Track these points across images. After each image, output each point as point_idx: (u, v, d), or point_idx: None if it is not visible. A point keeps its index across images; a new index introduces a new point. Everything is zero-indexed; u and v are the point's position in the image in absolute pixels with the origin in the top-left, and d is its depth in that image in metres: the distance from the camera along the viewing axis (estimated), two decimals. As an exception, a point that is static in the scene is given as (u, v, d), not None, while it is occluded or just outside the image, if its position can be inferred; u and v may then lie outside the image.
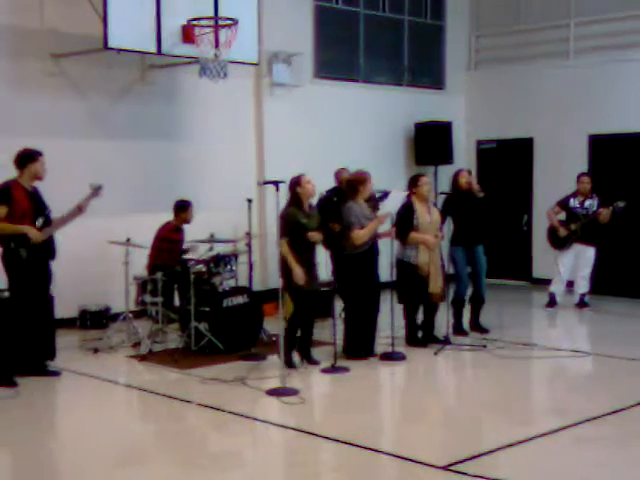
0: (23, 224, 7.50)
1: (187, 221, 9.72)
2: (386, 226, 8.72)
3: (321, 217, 8.29)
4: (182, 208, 9.67)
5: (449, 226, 9.37)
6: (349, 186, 8.51)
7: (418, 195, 8.92)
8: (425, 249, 8.77)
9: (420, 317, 9.10)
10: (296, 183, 7.99)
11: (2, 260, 7.64)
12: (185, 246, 9.59)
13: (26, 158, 7.66)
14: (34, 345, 7.76)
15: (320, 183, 8.36)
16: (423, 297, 8.87)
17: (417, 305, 8.96)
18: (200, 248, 9.50)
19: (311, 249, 8.06)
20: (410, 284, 8.83)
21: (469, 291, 9.69)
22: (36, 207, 7.65)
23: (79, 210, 7.80)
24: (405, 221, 8.80)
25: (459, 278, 9.52)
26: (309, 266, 7.98)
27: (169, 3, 9.49)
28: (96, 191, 7.80)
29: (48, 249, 7.74)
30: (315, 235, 7.98)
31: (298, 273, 7.80)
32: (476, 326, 9.72)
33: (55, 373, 7.90)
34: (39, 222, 7.61)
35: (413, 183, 9.00)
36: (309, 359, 8.24)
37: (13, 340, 7.61)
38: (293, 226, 7.84)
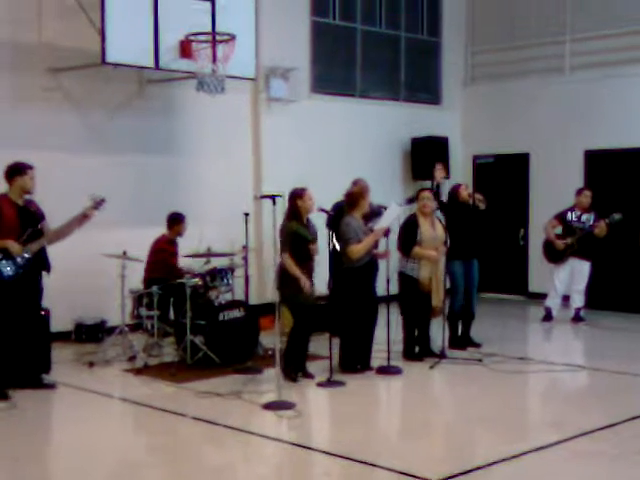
0: (8, 238, 7.42)
1: (180, 234, 9.74)
2: (382, 244, 8.74)
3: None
4: (176, 221, 9.70)
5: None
6: (350, 199, 8.53)
7: (419, 210, 8.96)
8: (427, 264, 8.81)
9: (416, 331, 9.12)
10: (298, 196, 8.02)
11: None
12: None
13: (14, 172, 7.60)
14: (29, 358, 7.74)
15: (317, 197, 8.37)
16: (423, 311, 8.88)
17: (416, 319, 8.97)
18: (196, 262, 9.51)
19: (310, 262, 8.08)
20: (410, 298, 8.85)
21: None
22: (25, 221, 7.57)
23: (84, 217, 7.72)
24: (409, 235, 8.83)
25: (456, 292, 9.53)
26: (309, 279, 8.01)
27: (167, 18, 9.54)
28: (97, 204, 7.74)
29: (40, 262, 7.68)
30: (316, 248, 8.02)
31: (306, 283, 7.83)
32: (467, 341, 9.72)
33: (51, 386, 7.89)
34: (25, 235, 7.51)
35: (415, 198, 9.09)
36: (304, 372, 8.24)
37: (7, 354, 7.56)
38: (294, 238, 7.85)
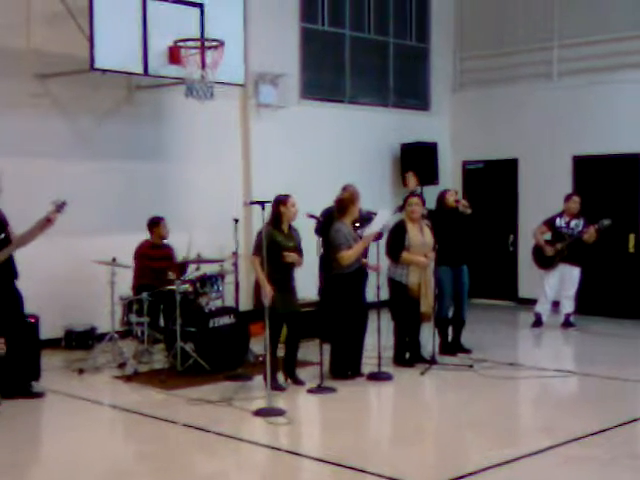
0: None
1: (163, 236, 9.72)
2: (372, 249, 8.73)
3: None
4: (154, 224, 9.71)
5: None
6: (340, 205, 8.51)
7: (406, 215, 8.96)
8: (416, 269, 8.80)
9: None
10: (281, 202, 7.98)
11: None
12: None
13: None
14: (16, 366, 7.68)
15: (306, 203, 8.37)
16: (413, 317, 8.87)
17: (406, 325, 8.95)
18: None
19: (288, 270, 8.02)
20: (400, 304, 8.84)
21: (450, 311, 9.71)
22: None
23: (48, 222, 7.50)
24: (397, 241, 8.82)
25: (443, 297, 9.52)
26: (285, 287, 7.94)
27: (155, 24, 9.51)
28: (59, 207, 7.51)
29: (9, 270, 7.59)
30: (291, 255, 7.93)
31: (267, 292, 7.65)
32: (458, 347, 9.72)
33: (39, 394, 7.83)
34: None
35: (404, 203, 9.08)
36: (294, 379, 8.21)
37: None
38: (269, 245, 7.74)
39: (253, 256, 7.81)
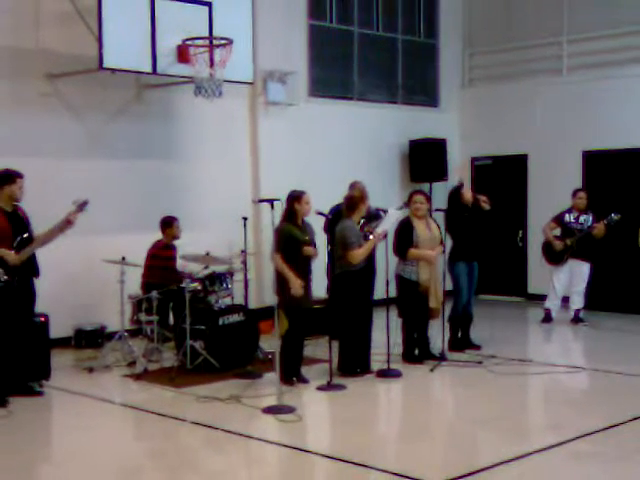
0: (1, 246, 7.39)
1: (175, 237, 9.74)
2: (381, 247, 8.75)
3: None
4: (167, 224, 9.73)
5: (447, 241, 9.38)
6: (350, 203, 8.53)
7: (411, 212, 8.96)
8: (425, 266, 8.79)
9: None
10: (296, 198, 8.02)
11: None
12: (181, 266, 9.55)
13: (4, 179, 7.53)
14: (20, 364, 7.68)
15: (315, 201, 8.37)
16: (422, 314, 8.88)
17: (416, 322, 8.95)
18: (193, 266, 9.49)
19: (307, 264, 8.08)
20: (410, 301, 8.85)
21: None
22: (16, 228, 7.52)
23: (68, 223, 7.58)
24: (404, 238, 8.82)
25: (459, 294, 9.52)
26: (306, 282, 8.00)
27: (164, 23, 9.54)
28: (81, 207, 7.58)
29: (31, 268, 7.63)
30: (310, 249, 8.01)
31: (296, 285, 7.78)
32: (467, 343, 9.72)
33: (39, 393, 7.84)
34: (16, 242, 7.47)
35: (408, 200, 9.08)
36: (299, 377, 8.21)
37: (4, 360, 7.51)
38: (288, 240, 7.83)
39: (275, 253, 7.80)
